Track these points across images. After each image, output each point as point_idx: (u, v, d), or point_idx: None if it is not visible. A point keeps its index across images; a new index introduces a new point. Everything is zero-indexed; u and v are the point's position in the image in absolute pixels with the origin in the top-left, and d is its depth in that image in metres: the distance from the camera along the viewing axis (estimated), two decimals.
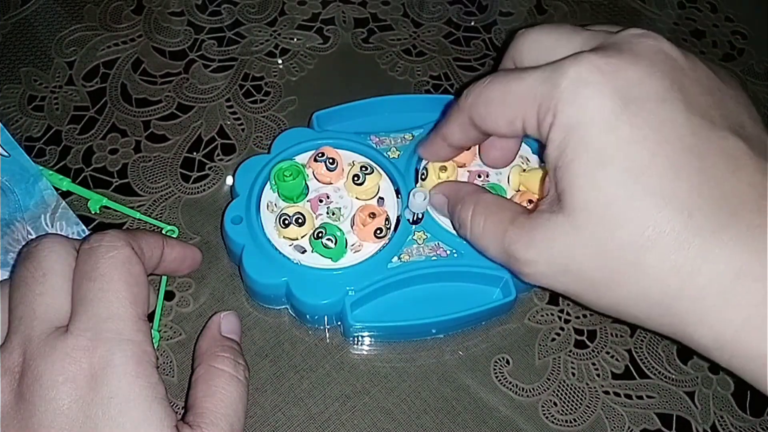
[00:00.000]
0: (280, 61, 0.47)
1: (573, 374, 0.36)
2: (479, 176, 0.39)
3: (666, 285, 0.25)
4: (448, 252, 0.36)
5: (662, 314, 0.26)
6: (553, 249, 0.27)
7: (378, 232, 0.35)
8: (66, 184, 0.40)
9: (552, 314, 0.38)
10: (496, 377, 0.36)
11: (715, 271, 0.24)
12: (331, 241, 0.35)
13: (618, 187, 0.25)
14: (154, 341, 0.32)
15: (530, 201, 0.36)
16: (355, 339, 0.37)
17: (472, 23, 0.50)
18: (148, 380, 0.27)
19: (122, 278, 0.28)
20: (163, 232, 0.39)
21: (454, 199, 0.34)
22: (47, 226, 0.38)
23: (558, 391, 0.36)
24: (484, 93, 0.30)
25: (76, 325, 0.27)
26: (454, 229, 0.35)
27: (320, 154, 0.38)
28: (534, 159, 0.40)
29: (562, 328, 0.38)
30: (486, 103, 0.30)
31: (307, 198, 0.37)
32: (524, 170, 0.38)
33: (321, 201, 0.37)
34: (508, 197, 0.37)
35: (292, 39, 0.48)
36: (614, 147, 0.26)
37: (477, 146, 0.39)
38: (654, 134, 0.25)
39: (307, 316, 0.36)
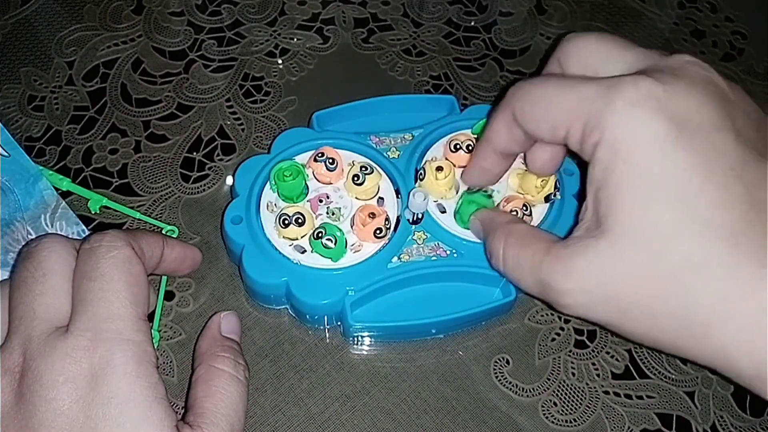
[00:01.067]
0: (280, 61, 0.47)
1: (573, 374, 0.36)
2: None
3: (710, 314, 0.25)
4: (448, 252, 0.36)
5: (704, 344, 0.25)
6: (593, 277, 0.27)
7: (378, 232, 0.35)
8: (66, 184, 0.40)
9: (552, 314, 0.38)
10: (496, 377, 0.36)
11: (762, 302, 0.24)
12: (331, 241, 0.35)
13: (667, 212, 0.25)
14: (154, 341, 0.32)
15: (524, 205, 0.36)
16: (355, 339, 0.37)
17: (472, 23, 0.50)
18: (148, 380, 0.27)
19: (122, 278, 0.28)
20: (163, 232, 0.39)
21: (487, 229, 0.33)
22: (47, 226, 0.38)
23: (558, 391, 0.36)
24: (532, 91, 0.29)
25: (76, 325, 0.27)
26: (487, 259, 0.34)
27: (320, 154, 0.38)
28: None
29: (562, 328, 0.38)
30: (532, 102, 0.29)
31: (307, 198, 0.37)
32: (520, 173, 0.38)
33: (321, 201, 0.37)
34: (507, 200, 0.37)
35: (292, 39, 0.48)
36: (666, 173, 0.25)
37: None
38: (705, 162, 0.25)
39: (307, 316, 0.36)
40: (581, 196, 0.37)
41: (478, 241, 0.36)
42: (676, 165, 0.25)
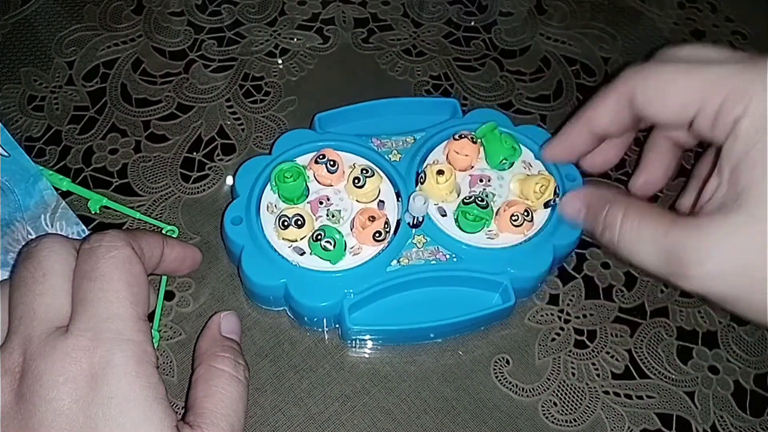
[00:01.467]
0: (280, 61, 0.47)
1: (573, 374, 0.37)
2: (480, 180, 0.38)
3: None
4: (448, 256, 0.36)
5: None
6: (728, 249, 0.26)
7: (377, 235, 0.35)
8: (66, 184, 0.40)
9: (552, 314, 0.38)
10: (496, 377, 0.36)
11: None
12: (330, 244, 0.35)
13: None
14: (154, 341, 0.32)
15: (526, 210, 0.36)
16: (354, 342, 0.37)
17: (472, 23, 0.50)
18: (148, 380, 0.27)
19: (122, 278, 0.28)
20: (163, 232, 0.39)
21: (599, 202, 0.33)
22: (47, 226, 0.38)
23: (558, 391, 0.36)
24: (660, 73, 0.29)
25: (76, 325, 0.27)
26: (591, 235, 0.33)
27: (321, 156, 0.38)
28: (537, 164, 0.39)
29: (562, 328, 0.38)
30: (660, 84, 0.29)
31: (308, 200, 0.37)
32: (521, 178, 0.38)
33: (321, 203, 0.37)
34: (509, 204, 0.37)
35: (292, 39, 0.48)
36: None
37: (479, 149, 0.39)
38: None
39: (306, 319, 0.36)
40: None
41: (479, 245, 0.36)
42: None
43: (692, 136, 0.32)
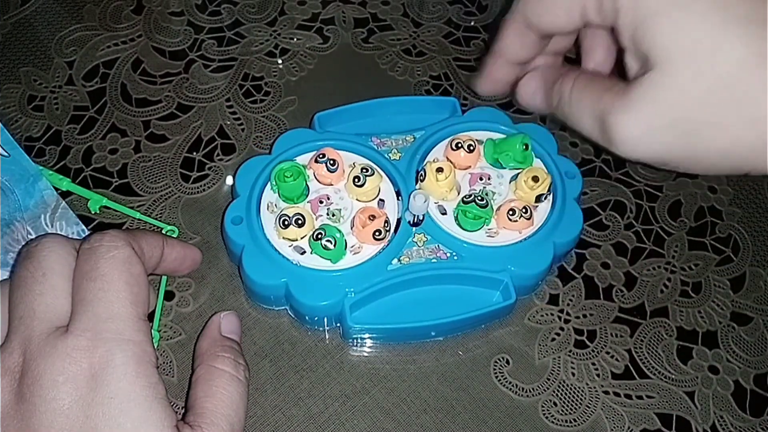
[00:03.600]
0: (280, 61, 0.47)
1: (573, 374, 0.37)
2: (480, 179, 0.39)
3: None
4: (448, 254, 0.36)
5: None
6: (651, 106, 0.27)
7: (377, 234, 0.35)
8: (66, 184, 0.40)
9: (552, 314, 0.38)
10: (496, 377, 0.36)
11: None
12: (331, 243, 0.35)
13: (706, 21, 0.25)
14: (154, 341, 0.32)
15: (525, 208, 0.36)
16: (355, 341, 0.37)
17: (472, 23, 0.50)
18: (148, 380, 0.27)
19: (122, 278, 0.28)
20: (163, 232, 0.39)
21: (553, 75, 0.33)
22: (47, 226, 0.38)
23: (558, 391, 0.36)
24: None
25: (76, 325, 0.27)
26: (549, 107, 0.33)
27: (321, 155, 0.38)
28: (537, 162, 0.39)
29: (562, 328, 0.38)
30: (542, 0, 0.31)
31: (308, 199, 0.37)
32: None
33: (321, 202, 0.37)
34: (508, 201, 0.37)
35: (292, 39, 0.48)
36: None
37: (480, 150, 0.39)
38: None
39: (307, 318, 0.36)
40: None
41: (479, 243, 0.36)
42: None
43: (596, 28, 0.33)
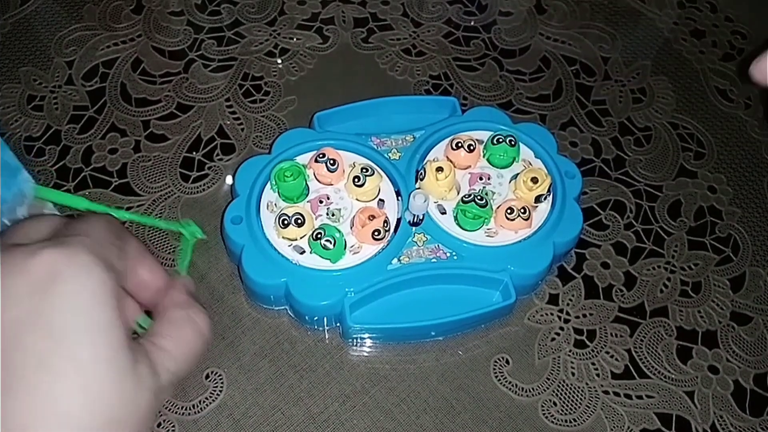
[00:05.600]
0: (279, 61, 0.47)
1: (573, 374, 0.37)
2: (480, 179, 0.39)
3: None
4: (448, 254, 0.36)
5: None
6: None
7: (376, 233, 0.35)
8: (84, 204, 0.35)
9: (552, 314, 0.38)
10: (496, 377, 0.36)
11: None
12: (330, 243, 0.35)
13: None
14: (146, 325, 0.31)
15: (524, 208, 0.36)
16: (355, 340, 0.37)
17: (472, 23, 0.50)
18: (107, 300, 0.26)
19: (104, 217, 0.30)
20: (184, 233, 0.37)
21: None
22: (23, 218, 0.37)
23: (558, 391, 0.36)
24: None
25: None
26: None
27: (321, 155, 0.38)
28: (536, 162, 0.40)
29: (561, 328, 0.38)
30: None
31: (308, 199, 0.37)
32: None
33: (321, 202, 0.37)
34: (505, 203, 0.37)
35: (292, 39, 0.48)
36: None
37: (480, 150, 0.39)
38: None
39: (306, 318, 0.36)
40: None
41: (479, 243, 0.36)
42: None
43: None
